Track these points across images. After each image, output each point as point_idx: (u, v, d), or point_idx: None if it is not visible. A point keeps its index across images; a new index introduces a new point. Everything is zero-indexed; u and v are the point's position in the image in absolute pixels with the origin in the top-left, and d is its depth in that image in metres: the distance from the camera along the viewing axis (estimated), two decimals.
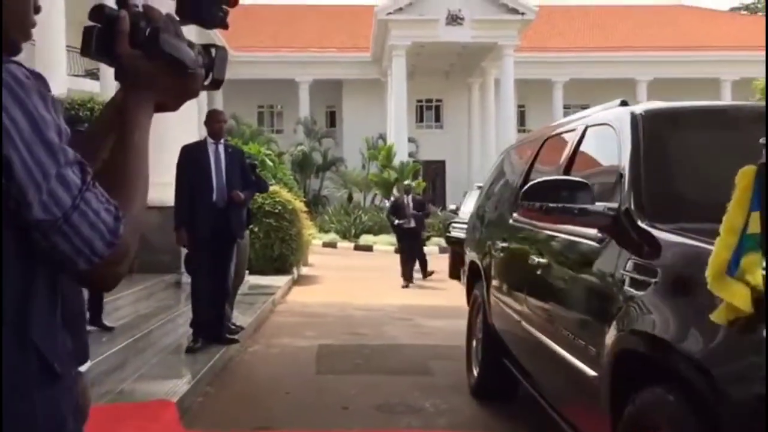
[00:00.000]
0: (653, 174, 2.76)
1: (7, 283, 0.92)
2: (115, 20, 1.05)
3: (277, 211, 11.61)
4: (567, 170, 3.48)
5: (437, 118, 37.38)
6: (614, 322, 2.37)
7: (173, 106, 1.15)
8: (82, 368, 2.52)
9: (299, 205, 12.57)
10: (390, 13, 29.51)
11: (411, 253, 12.65)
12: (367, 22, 31.80)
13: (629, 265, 2.42)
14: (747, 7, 50.99)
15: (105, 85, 16.33)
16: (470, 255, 5.49)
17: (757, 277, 1.62)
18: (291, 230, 11.82)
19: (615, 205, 2.75)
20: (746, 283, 1.63)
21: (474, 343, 5.22)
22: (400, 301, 10.11)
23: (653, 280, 2.21)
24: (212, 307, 6.05)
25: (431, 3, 29.43)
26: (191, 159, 6.00)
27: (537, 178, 3.94)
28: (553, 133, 4.25)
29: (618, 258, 2.54)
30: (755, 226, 1.63)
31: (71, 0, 15.02)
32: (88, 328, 5.03)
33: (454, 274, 12.88)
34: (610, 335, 2.38)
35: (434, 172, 33.80)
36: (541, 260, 3.43)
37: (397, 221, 12.83)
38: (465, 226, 12.08)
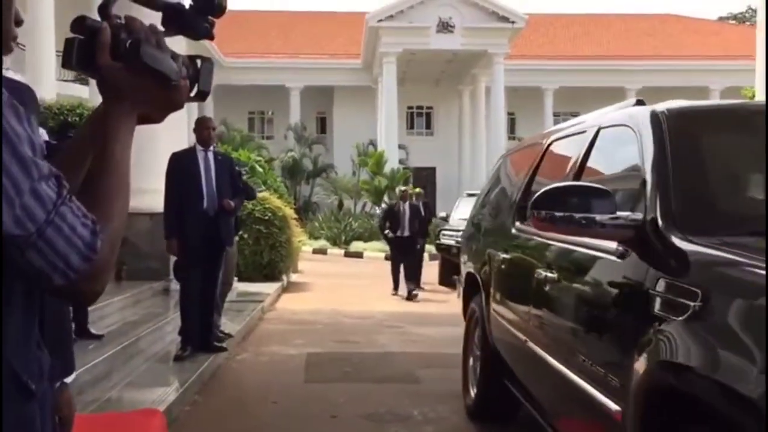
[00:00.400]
0: (683, 179, 2.45)
1: None
2: (97, 32, 1.04)
3: (266, 217, 11.59)
4: (578, 176, 3.17)
5: (428, 125, 37.46)
6: (644, 352, 2.04)
7: (157, 118, 1.14)
8: (68, 379, 2.49)
9: (289, 211, 12.55)
10: (381, 21, 29.58)
11: (405, 265, 11.67)
12: (358, 29, 31.85)
13: (660, 284, 2.10)
14: (735, 17, 51.47)
15: (94, 91, 16.22)
16: (467, 266, 5.17)
17: None
18: (281, 237, 11.79)
19: (638, 215, 2.43)
20: None
21: (471, 360, 4.89)
22: (389, 308, 10.10)
23: (693, 303, 1.88)
24: (201, 315, 6.02)
25: (422, 11, 29.55)
26: (181, 167, 5.97)
27: (542, 186, 3.62)
28: (559, 136, 3.95)
29: (645, 276, 2.23)
30: None
31: (61, 4, 15.00)
32: (75, 338, 4.99)
33: (444, 280, 12.93)
34: (639, 366, 2.05)
35: (424, 179, 33.82)
36: (550, 275, 3.10)
37: (389, 232, 11.73)
38: (455, 233, 12.22)
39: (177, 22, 1.15)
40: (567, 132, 3.84)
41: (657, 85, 31.99)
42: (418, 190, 13.38)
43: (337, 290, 12.12)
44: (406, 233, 11.61)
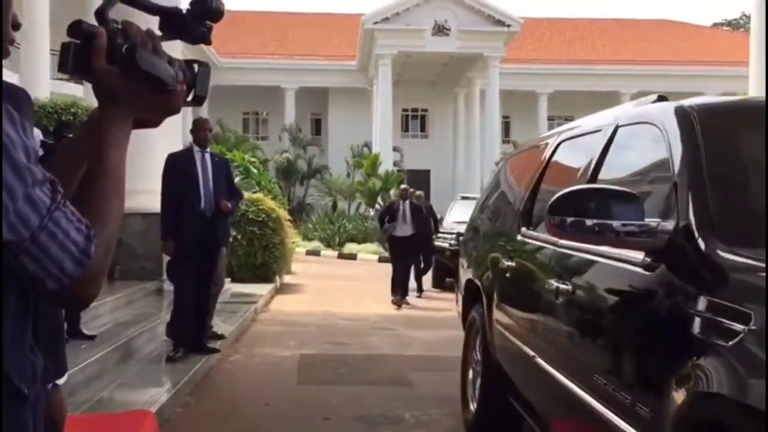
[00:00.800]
0: (721, 181, 2.19)
1: None
2: (93, 36, 1.04)
3: (260, 218, 11.57)
4: (593, 179, 2.89)
5: (422, 128, 37.51)
6: (683, 380, 1.79)
7: (153, 122, 1.14)
8: (60, 381, 2.49)
9: (283, 213, 12.53)
10: (377, 23, 29.61)
11: (407, 268, 11.05)
12: (354, 31, 31.87)
13: (700, 303, 1.85)
14: (729, 23, 51.72)
15: (88, 90, 16.15)
16: (467, 272, 4.86)
17: None
18: (274, 238, 11.77)
19: (669, 223, 2.17)
20: None
21: (471, 373, 4.57)
22: (383, 310, 10.09)
23: (745, 327, 1.62)
24: (195, 316, 6.02)
25: (418, 13, 29.60)
26: (178, 168, 5.97)
27: (550, 190, 3.45)
28: (569, 135, 3.67)
29: (680, 292, 2.01)
30: None
31: (56, 2, 14.97)
32: (67, 338, 4.98)
33: (437, 283, 12.95)
34: (677, 397, 1.79)
35: (419, 182, 33.85)
36: (563, 286, 2.79)
37: (387, 229, 11.18)
38: (449, 236, 12.23)
39: (174, 26, 1.16)
40: (579, 131, 3.56)
41: (652, 89, 31.84)
42: (419, 192, 12.96)
43: (330, 292, 12.11)
44: (407, 233, 10.98)
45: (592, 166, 2.95)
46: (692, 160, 2.26)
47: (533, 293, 3.24)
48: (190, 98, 1.16)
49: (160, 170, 6.11)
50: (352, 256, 20.16)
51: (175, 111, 1.13)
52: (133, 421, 4.29)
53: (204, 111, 26.51)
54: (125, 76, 1.05)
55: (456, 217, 13.30)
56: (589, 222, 2.19)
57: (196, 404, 5.08)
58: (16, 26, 1.03)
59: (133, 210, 7.19)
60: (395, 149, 30.47)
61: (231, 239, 7.14)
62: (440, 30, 29.57)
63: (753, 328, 1.60)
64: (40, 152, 0.97)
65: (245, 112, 37.03)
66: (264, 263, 11.66)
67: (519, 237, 3.76)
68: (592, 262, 2.65)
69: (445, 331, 7.81)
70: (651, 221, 2.20)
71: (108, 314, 6.77)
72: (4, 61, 1.06)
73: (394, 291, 10.90)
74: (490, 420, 4.16)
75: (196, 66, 1.18)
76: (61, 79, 17.55)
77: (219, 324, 7.18)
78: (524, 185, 4.03)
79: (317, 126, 37.58)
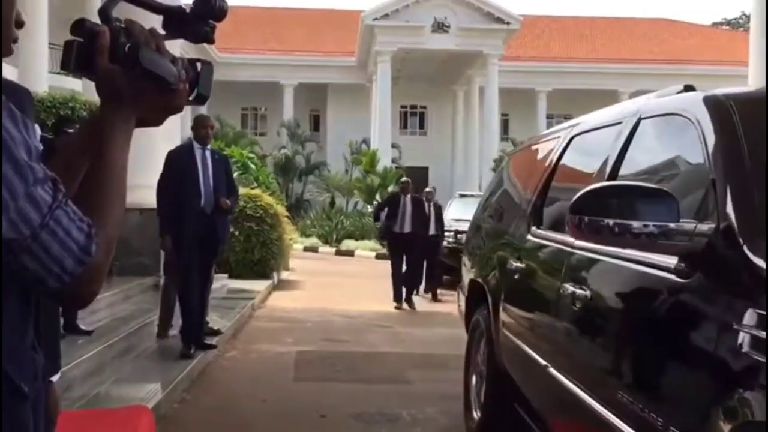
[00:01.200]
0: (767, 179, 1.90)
1: None
2: (96, 35, 1.04)
3: (258, 215, 11.57)
4: (613, 176, 2.66)
5: (421, 125, 37.51)
6: (727, 406, 1.58)
7: (155, 121, 1.14)
8: (54, 378, 2.48)
9: (281, 209, 12.53)
10: (376, 19, 29.60)
11: (408, 267, 10.50)
12: (354, 27, 31.84)
13: (750, 317, 1.60)
14: (729, 23, 51.75)
15: (87, 84, 16.25)
16: (469, 273, 4.67)
17: None
18: (272, 234, 11.77)
19: (707, 225, 1.93)
20: None
21: (474, 378, 4.37)
22: (380, 307, 10.09)
23: None
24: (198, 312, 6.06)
25: (417, 10, 29.59)
26: (178, 164, 5.97)
27: (563, 187, 3.35)
28: (583, 129, 3.43)
29: (722, 303, 1.79)
30: None
31: None
32: (62, 332, 4.98)
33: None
34: (722, 426, 1.57)
35: (417, 179, 33.85)
36: (580, 291, 2.56)
37: (380, 223, 10.52)
38: (447, 233, 12.21)
39: (177, 25, 1.15)
40: (594, 124, 3.29)
41: (651, 88, 31.62)
42: (429, 189, 11.83)
43: (327, 289, 12.11)
44: (407, 229, 10.30)
45: (612, 161, 2.73)
46: (733, 155, 2.03)
47: (545, 298, 3.05)
48: (192, 97, 1.16)
49: (156, 165, 6.11)
50: (350, 253, 20.17)
51: (177, 110, 1.13)
52: (129, 416, 4.28)
53: (203, 107, 26.42)
54: (128, 75, 1.05)
55: (454, 214, 13.30)
56: (610, 222, 2.00)
57: (192, 400, 5.08)
58: (20, 24, 1.02)
59: (129, 205, 7.16)
60: (393, 146, 30.47)
61: (229, 236, 7.13)
62: (440, 27, 29.57)
63: None
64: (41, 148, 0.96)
65: (244, 107, 36.99)
66: (261, 259, 11.66)
67: (529, 236, 3.55)
68: (613, 267, 2.40)
69: (443, 329, 7.83)
70: (686, 222, 1.99)
71: (105, 309, 6.75)
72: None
73: (397, 297, 10.27)
74: (495, 429, 3.97)
75: (199, 65, 1.17)
76: (59, 73, 17.53)
77: (216, 320, 7.18)
78: (533, 183, 3.80)
79: (316, 122, 37.56)
